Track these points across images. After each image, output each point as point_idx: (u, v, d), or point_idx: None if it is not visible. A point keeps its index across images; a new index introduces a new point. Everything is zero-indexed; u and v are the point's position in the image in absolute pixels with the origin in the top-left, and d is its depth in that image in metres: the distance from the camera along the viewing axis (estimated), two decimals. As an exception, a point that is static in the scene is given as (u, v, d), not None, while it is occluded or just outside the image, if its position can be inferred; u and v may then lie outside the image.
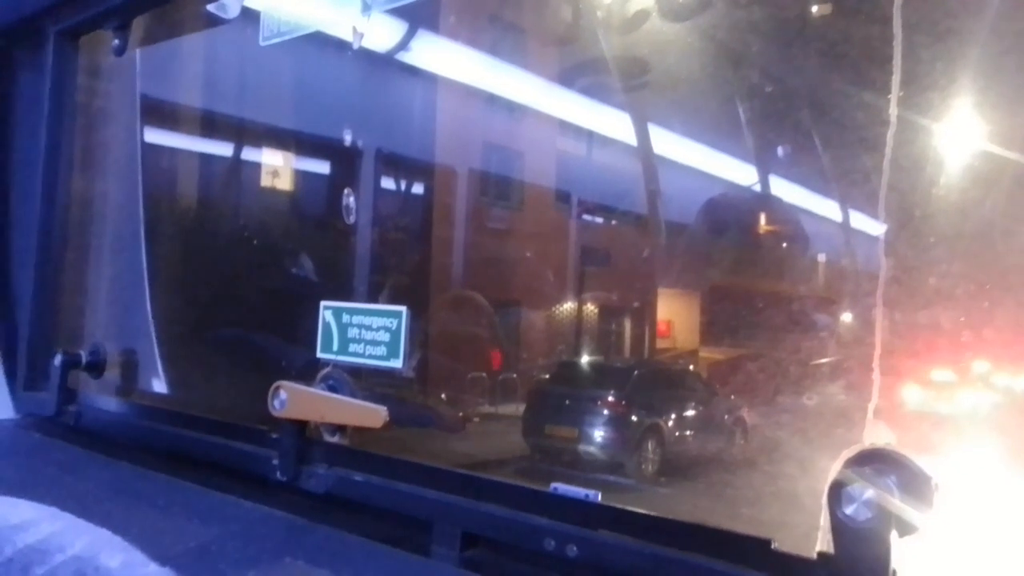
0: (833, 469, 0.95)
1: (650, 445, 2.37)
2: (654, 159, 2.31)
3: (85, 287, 2.34)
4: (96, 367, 2.06)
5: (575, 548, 1.12)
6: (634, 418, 2.39)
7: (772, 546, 0.99)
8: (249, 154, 2.66)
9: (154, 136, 2.44)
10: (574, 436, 2.37)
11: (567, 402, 2.48)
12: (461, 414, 2.54)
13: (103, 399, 2.04)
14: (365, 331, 1.48)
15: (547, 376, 2.74)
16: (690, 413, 2.41)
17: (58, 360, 2.01)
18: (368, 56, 2.23)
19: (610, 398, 2.43)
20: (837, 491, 0.92)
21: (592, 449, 2.37)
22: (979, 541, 0.97)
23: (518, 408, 2.58)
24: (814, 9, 1.59)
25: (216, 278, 2.45)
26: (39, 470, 1.84)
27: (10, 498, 0.61)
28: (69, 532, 0.54)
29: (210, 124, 2.61)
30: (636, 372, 2.57)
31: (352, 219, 2.18)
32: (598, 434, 2.38)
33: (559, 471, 2.35)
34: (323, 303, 1.55)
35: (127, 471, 1.79)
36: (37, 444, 2.04)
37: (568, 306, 2.71)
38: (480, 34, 2.66)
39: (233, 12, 1.95)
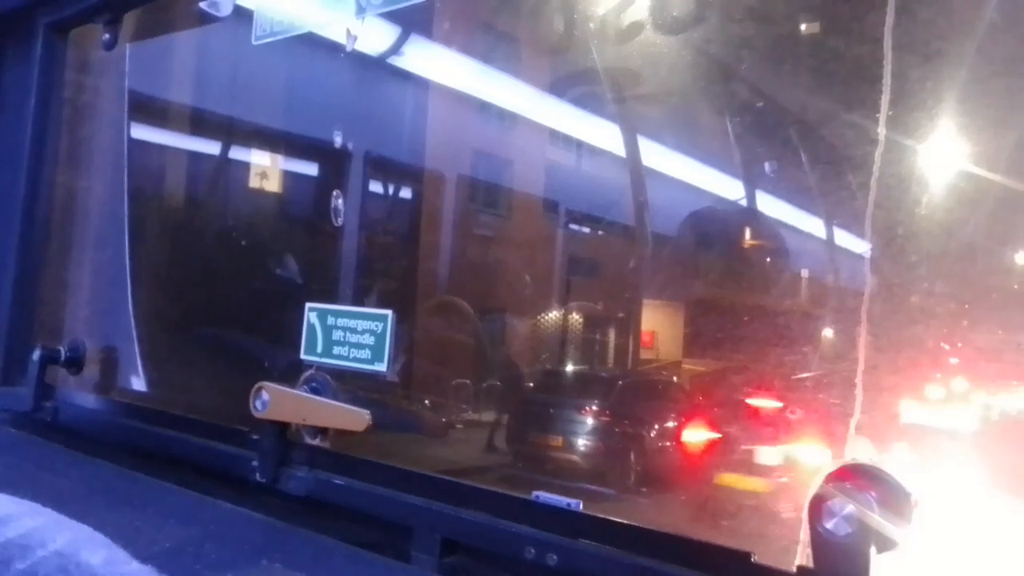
0: (814, 484, 0.95)
1: (632, 455, 2.38)
2: (642, 170, 2.32)
3: (66, 282, 2.31)
4: (75, 363, 2.03)
5: (555, 557, 1.12)
6: (618, 428, 2.40)
7: (752, 559, 0.99)
8: (236, 153, 2.65)
9: (141, 133, 2.42)
10: (558, 444, 2.38)
11: (552, 411, 2.49)
12: (444, 419, 2.53)
13: (81, 396, 2.01)
14: (350, 334, 1.47)
15: (532, 384, 2.75)
16: (672, 424, 2.42)
17: (36, 355, 1.98)
18: (360, 59, 2.23)
19: (595, 407, 2.43)
20: (818, 505, 0.93)
21: (576, 458, 2.37)
22: (958, 556, 0.98)
23: (501, 416, 2.58)
24: (803, 27, 1.61)
25: (200, 277, 2.43)
26: (14, 466, 1.81)
27: None
28: (51, 528, 0.53)
29: (198, 122, 2.59)
30: (620, 382, 2.58)
31: (340, 221, 2.17)
32: (582, 443, 2.39)
33: (541, 479, 2.35)
34: (308, 305, 1.54)
35: (104, 469, 1.76)
36: (13, 440, 2.01)
37: (553, 315, 2.72)
38: (473, 41, 2.66)
39: (226, 10, 1.94)
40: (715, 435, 2.09)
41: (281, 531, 1.41)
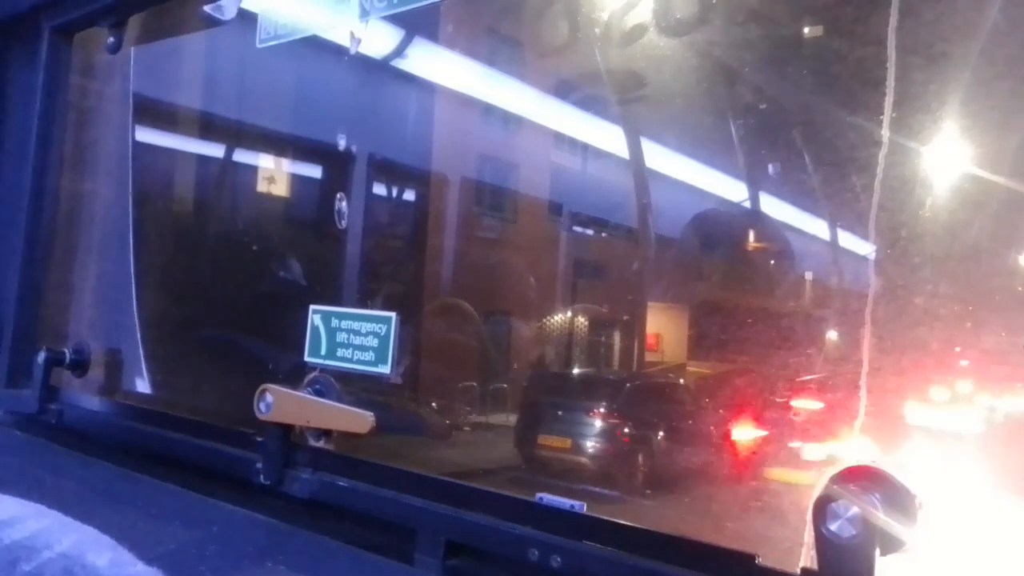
0: (818, 485, 0.95)
1: (640, 457, 2.38)
2: (646, 173, 2.32)
3: (71, 285, 2.32)
4: (80, 365, 2.04)
5: (559, 559, 1.12)
6: (626, 430, 2.40)
7: (756, 561, 0.99)
8: (240, 156, 2.65)
9: (146, 136, 2.43)
10: (567, 446, 2.38)
11: (560, 413, 2.49)
12: (448, 422, 2.54)
13: (86, 398, 2.02)
14: (354, 336, 1.47)
15: (540, 387, 2.74)
16: (679, 426, 2.41)
17: (42, 357, 1.99)
18: (366, 62, 2.24)
19: (603, 409, 2.43)
20: (822, 507, 0.92)
21: (584, 459, 2.37)
22: (964, 558, 0.98)
23: (508, 418, 2.59)
24: (806, 30, 1.61)
25: (203, 280, 2.43)
26: (19, 468, 1.82)
27: None
28: (56, 530, 0.53)
29: (202, 125, 2.60)
30: (628, 385, 2.58)
31: (344, 224, 2.17)
32: (590, 445, 2.39)
33: (549, 482, 2.35)
34: (312, 307, 1.55)
35: (108, 471, 1.77)
36: (18, 442, 2.02)
37: (559, 317, 2.71)
38: (478, 45, 2.67)
39: (230, 13, 1.94)
40: (724, 436, 2.09)
41: (285, 533, 1.41)
